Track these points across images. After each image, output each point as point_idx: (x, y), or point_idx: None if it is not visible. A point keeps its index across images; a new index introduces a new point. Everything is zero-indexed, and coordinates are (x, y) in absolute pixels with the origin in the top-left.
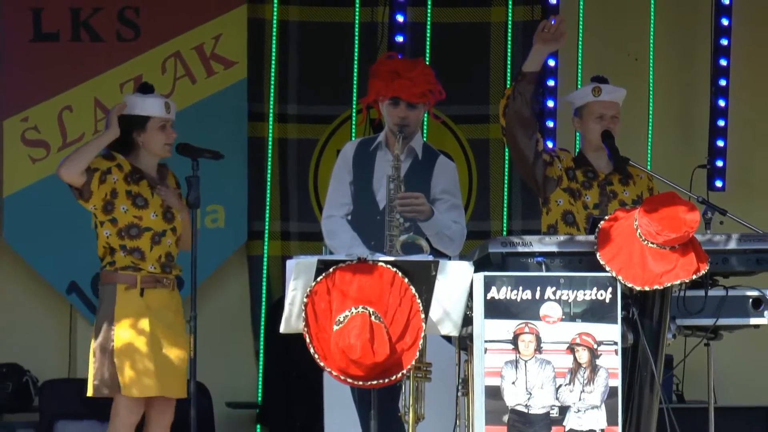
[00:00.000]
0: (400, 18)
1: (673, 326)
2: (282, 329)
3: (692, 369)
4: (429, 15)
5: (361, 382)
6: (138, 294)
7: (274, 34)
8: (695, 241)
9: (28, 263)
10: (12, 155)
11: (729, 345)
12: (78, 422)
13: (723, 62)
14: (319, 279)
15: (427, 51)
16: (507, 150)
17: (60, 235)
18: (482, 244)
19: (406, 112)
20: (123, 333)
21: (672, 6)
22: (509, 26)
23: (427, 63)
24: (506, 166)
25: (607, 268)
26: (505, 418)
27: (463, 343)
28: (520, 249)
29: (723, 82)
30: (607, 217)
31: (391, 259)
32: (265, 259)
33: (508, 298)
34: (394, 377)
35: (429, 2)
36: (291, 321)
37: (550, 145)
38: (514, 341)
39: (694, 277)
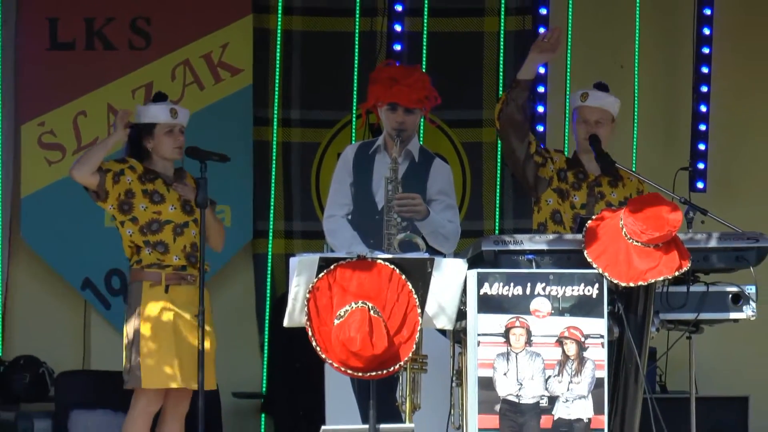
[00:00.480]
0: (397, 28)
1: (656, 320)
2: (286, 323)
3: (675, 361)
4: (425, 25)
5: (360, 374)
6: (163, 291)
7: (279, 43)
8: (678, 239)
9: (45, 260)
10: (29, 158)
11: (710, 338)
12: (92, 411)
13: (704, 70)
14: (320, 275)
15: (424, 59)
16: (499, 153)
17: (75, 233)
18: (476, 242)
19: (404, 116)
20: (147, 328)
21: (656, 16)
22: (501, 35)
23: (424, 70)
24: (498, 168)
25: (594, 265)
26: (497, 407)
27: (458, 336)
28: (512, 247)
29: (704, 89)
30: (594, 217)
31: (389, 256)
32: (270, 257)
33: (500, 293)
34: (392, 369)
35: (425, 13)
36: (294, 315)
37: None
38: (506, 335)
39: (676, 273)
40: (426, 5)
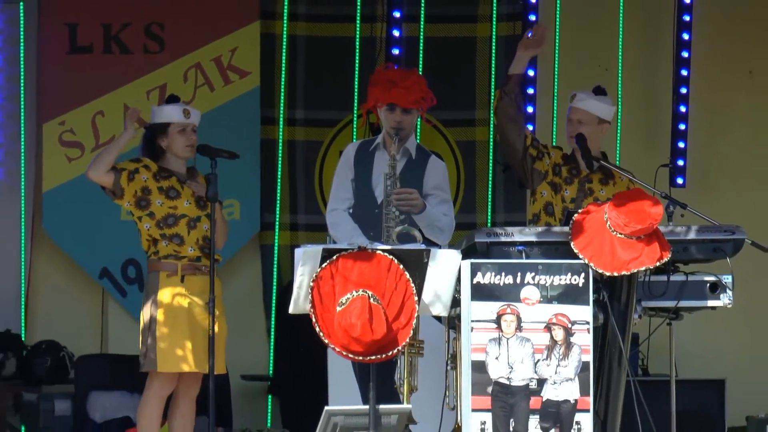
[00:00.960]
0: (396, 33)
1: (639, 307)
2: (291, 310)
3: (656, 346)
4: (422, 30)
5: (361, 357)
6: (179, 280)
7: (284, 47)
8: (659, 231)
9: (65, 251)
10: (50, 155)
11: (689, 324)
12: (109, 393)
13: (684, 72)
14: (324, 265)
15: (420, 62)
16: (491, 150)
17: (93, 226)
18: (469, 234)
19: (402, 116)
20: (163, 315)
21: (639, 22)
22: (493, 40)
23: (420, 73)
24: (490, 164)
25: (581, 256)
26: (490, 389)
27: (452, 322)
28: (503, 239)
29: (684, 90)
30: (580, 210)
31: (388, 247)
32: (276, 248)
33: (492, 282)
34: (391, 353)
35: (422, 19)
36: (299, 303)
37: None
38: (498, 321)
39: (657, 263)
40: (422, 12)
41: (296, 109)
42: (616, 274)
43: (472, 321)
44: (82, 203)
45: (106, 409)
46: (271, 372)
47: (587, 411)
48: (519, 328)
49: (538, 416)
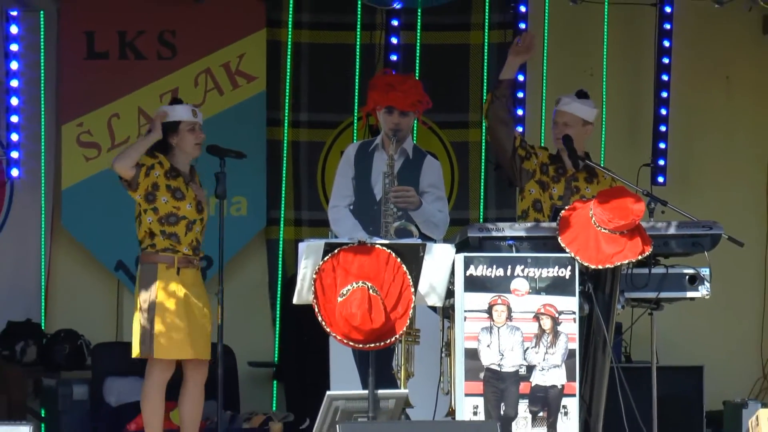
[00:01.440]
0: (394, 40)
1: (622, 298)
2: (295, 301)
3: (638, 334)
4: (418, 38)
5: (361, 345)
6: (175, 272)
7: (289, 53)
8: (641, 227)
9: (82, 245)
10: (69, 154)
11: (669, 314)
12: (124, 378)
13: (665, 77)
14: (326, 259)
15: (417, 68)
16: (483, 150)
17: (109, 221)
18: (462, 229)
19: (399, 119)
20: (162, 305)
21: (622, 30)
22: (485, 47)
23: (417, 78)
24: (482, 164)
25: (567, 250)
26: (482, 375)
27: (446, 312)
28: (495, 234)
29: (665, 94)
30: (567, 207)
31: (386, 242)
32: (281, 242)
33: (484, 274)
34: (389, 341)
35: (418, 27)
36: (302, 294)
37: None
38: (489, 311)
39: (639, 257)
40: (419, 21)
41: (300, 112)
42: (600, 267)
43: (465, 311)
44: (99, 200)
45: (120, 394)
46: (276, 359)
47: (573, 395)
48: (509, 317)
49: (527, 400)
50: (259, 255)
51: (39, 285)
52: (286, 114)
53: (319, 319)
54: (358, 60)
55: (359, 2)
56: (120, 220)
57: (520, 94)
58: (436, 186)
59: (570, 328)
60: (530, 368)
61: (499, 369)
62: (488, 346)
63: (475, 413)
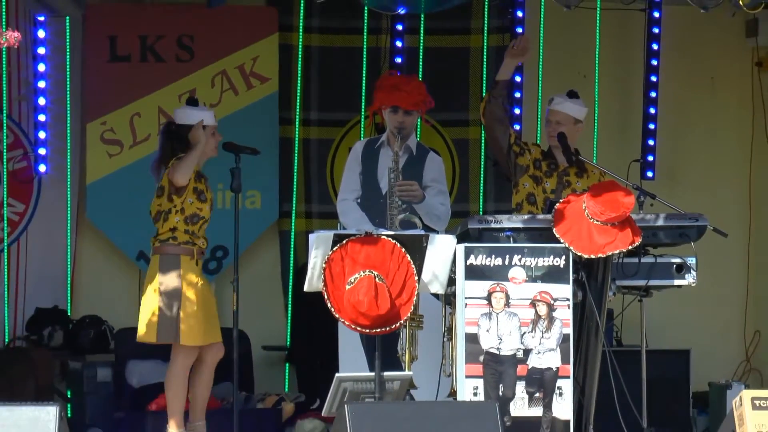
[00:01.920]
0: (398, 44)
1: (613, 286)
2: (306, 288)
3: (628, 320)
4: (421, 41)
5: (367, 330)
6: (195, 263)
7: (300, 56)
8: (631, 219)
9: (106, 236)
10: (93, 151)
11: (658, 301)
12: (145, 361)
13: (653, 78)
14: (335, 249)
15: (420, 69)
16: (482, 147)
17: (131, 214)
18: (463, 221)
19: (404, 117)
20: (185, 294)
21: (613, 34)
22: (484, 50)
23: (420, 79)
24: (482, 160)
25: (562, 241)
26: (481, 358)
27: (448, 299)
28: (493, 225)
29: (653, 94)
30: (561, 200)
31: (392, 233)
32: (293, 233)
33: (483, 263)
34: (394, 326)
35: (422, 31)
36: (313, 282)
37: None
38: (488, 298)
39: (630, 247)
40: (422, 25)
41: (310, 111)
42: (593, 256)
43: (466, 298)
44: (121, 194)
45: (142, 376)
46: (288, 343)
47: (568, 377)
48: (507, 304)
49: (524, 382)
50: (272, 245)
51: (65, 274)
52: (298, 113)
53: (329, 305)
54: (364, 62)
55: (366, 8)
56: (141, 213)
57: (517, 94)
58: (439, 180)
59: (564, 314)
60: (527, 352)
61: (497, 352)
62: (487, 330)
63: (475, 394)
